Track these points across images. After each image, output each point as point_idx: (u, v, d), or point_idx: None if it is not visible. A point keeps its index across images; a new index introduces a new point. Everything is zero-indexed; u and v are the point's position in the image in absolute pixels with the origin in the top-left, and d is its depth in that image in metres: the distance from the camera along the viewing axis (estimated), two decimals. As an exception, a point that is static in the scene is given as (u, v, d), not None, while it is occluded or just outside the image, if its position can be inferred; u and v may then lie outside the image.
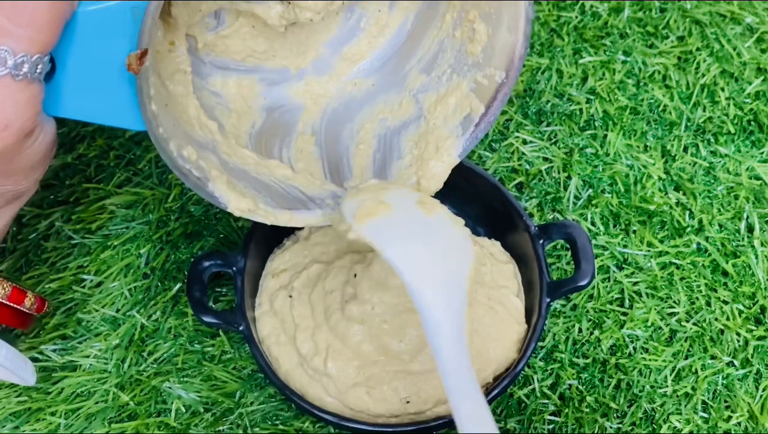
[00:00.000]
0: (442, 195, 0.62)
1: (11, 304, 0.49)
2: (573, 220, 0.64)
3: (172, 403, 0.57)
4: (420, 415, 0.52)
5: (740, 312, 0.60)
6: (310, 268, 0.57)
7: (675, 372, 0.58)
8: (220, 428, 0.56)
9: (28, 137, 0.42)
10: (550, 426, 0.56)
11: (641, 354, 0.59)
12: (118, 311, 0.60)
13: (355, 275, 0.54)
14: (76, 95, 0.44)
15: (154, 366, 0.58)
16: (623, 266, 0.62)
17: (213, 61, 0.54)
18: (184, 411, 0.56)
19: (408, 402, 0.52)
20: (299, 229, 0.60)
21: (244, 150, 0.53)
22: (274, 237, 0.60)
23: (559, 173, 0.66)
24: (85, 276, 0.62)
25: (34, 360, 0.58)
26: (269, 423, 0.56)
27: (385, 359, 0.53)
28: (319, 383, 0.53)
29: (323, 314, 0.54)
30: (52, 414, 0.56)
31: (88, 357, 0.58)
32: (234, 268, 0.55)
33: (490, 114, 0.52)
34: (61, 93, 0.44)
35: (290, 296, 0.56)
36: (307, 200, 0.53)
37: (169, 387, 0.57)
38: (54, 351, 0.59)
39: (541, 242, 0.55)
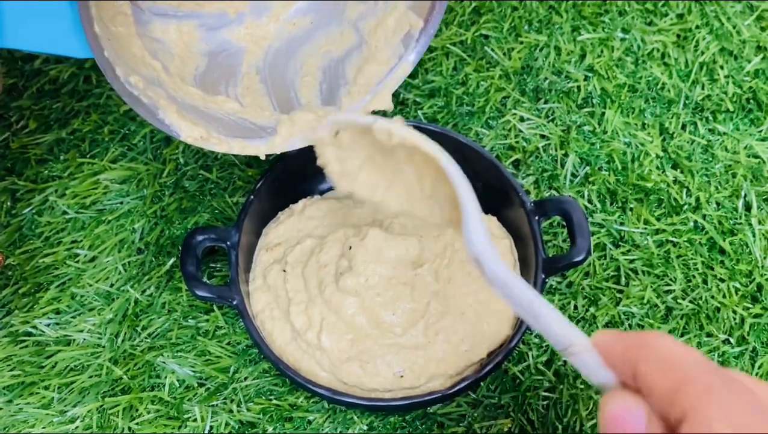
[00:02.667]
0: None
1: None
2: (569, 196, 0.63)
3: (165, 378, 0.57)
4: (414, 389, 0.52)
5: (737, 290, 0.61)
6: (303, 242, 0.57)
7: (670, 349, 0.58)
8: (214, 403, 0.56)
9: None
10: (545, 402, 0.56)
11: (637, 331, 0.59)
12: (112, 286, 0.60)
13: (351, 248, 0.54)
14: (18, 24, 0.43)
15: (148, 340, 0.58)
16: (620, 243, 0.62)
17: (150, 8, 0.55)
18: (177, 385, 0.57)
19: (402, 376, 0.52)
20: (294, 203, 0.60)
21: (190, 87, 0.53)
22: (268, 211, 0.60)
23: (556, 150, 0.66)
24: (79, 251, 0.62)
25: (27, 334, 0.58)
26: (263, 397, 0.56)
27: (378, 332, 0.53)
28: (313, 357, 0.53)
29: (317, 288, 0.54)
30: (46, 388, 0.57)
31: (81, 331, 0.59)
32: (228, 243, 0.56)
33: (430, 27, 0.52)
34: (3, 22, 0.43)
35: (284, 271, 0.56)
36: (259, 129, 0.54)
37: (163, 362, 0.57)
38: (48, 325, 0.59)
39: (537, 218, 0.55)
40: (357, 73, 0.55)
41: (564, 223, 0.56)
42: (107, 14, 0.50)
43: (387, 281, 0.54)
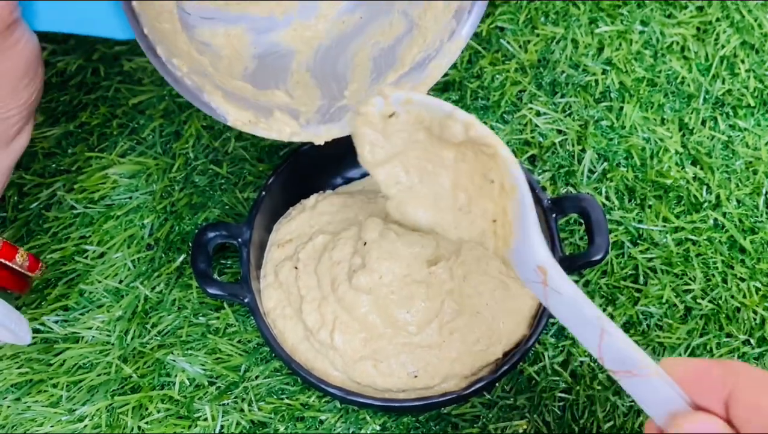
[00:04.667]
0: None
1: (1, 260, 0.49)
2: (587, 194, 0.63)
3: (175, 376, 0.57)
4: (428, 390, 0.52)
5: (757, 290, 0.60)
6: (315, 239, 0.57)
7: (690, 350, 0.58)
8: (225, 401, 0.56)
9: (9, 32, 0.42)
10: (561, 404, 0.56)
11: (655, 331, 0.59)
12: (121, 282, 0.60)
13: (365, 244, 0.54)
14: (55, 5, 0.43)
15: (158, 338, 0.58)
16: (638, 241, 0.62)
17: (197, 12, 0.54)
18: (188, 384, 0.57)
19: (416, 376, 0.52)
20: (305, 198, 0.60)
21: (239, 82, 0.53)
22: (280, 207, 0.60)
23: (573, 145, 0.65)
24: (87, 247, 0.61)
25: (35, 331, 0.58)
26: (275, 397, 0.56)
27: (392, 331, 0.53)
28: (326, 356, 0.53)
29: (330, 286, 0.54)
30: (54, 385, 0.56)
31: (90, 328, 0.59)
32: (239, 239, 0.55)
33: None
34: (39, 5, 0.43)
35: (296, 268, 0.55)
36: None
37: (173, 360, 0.57)
38: (56, 322, 0.59)
39: (554, 216, 0.55)
40: (406, 54, 0.53)
41: (581, 220, 0.55)
42: (152, 13, 0.49)
43: (401, 279, 0.53)
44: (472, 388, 0.51)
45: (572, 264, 0.53)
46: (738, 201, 0.64)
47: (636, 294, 0.60)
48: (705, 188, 0.64)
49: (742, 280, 0.60)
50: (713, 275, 0.61)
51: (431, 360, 0.53)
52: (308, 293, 0.54)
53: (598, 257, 0.52)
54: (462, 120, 0.44)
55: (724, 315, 0.59)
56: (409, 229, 0.55)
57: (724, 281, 0.61)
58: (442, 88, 0.68)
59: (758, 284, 0.60)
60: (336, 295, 0.54)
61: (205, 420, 0.55)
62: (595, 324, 0.39)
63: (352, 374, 0.53)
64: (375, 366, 0.52)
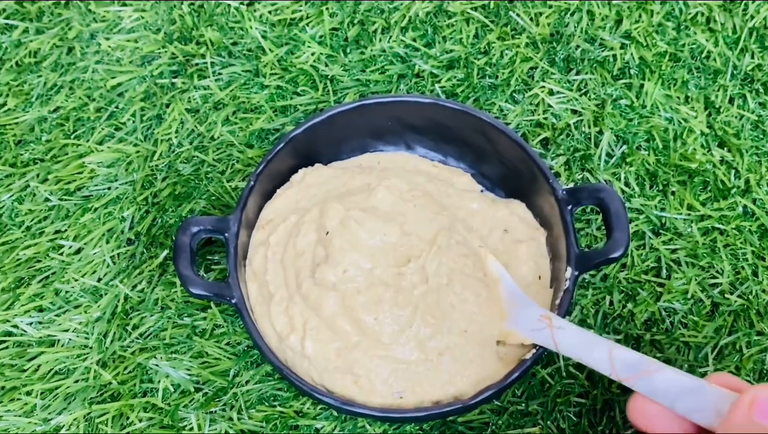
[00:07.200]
0: (460, 154, 0.59)
1: None
2: (605, 180, 0.60)
3: (159, 382, 0.55)
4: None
5: (791, 283, 0.58)
6: (289, 219, 0.54)
7: (717, 349, 0.56)
8: (213, 409, 0.54)
9: None
10: (577, 409, 0.54)
11: (680, 329, 0.56)
12: (99, 280, 0.58)
13: (327, 233, 0.52)
14: None
15: (140, 341, 0.56)
16: (660, 231, 0.59)
17: None
18: (172, 390, 0.54)
19: (401, 397, 0.49)
20: (294, 173, 0.58)
21: None
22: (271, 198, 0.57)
23: (589, 127, 0.63)
24: (63, 242, 0.59)
25: (7, 334, 0.56)
26: (266, 404, 0.54)
27: (366, 341, 0.50)
28: (301, 365, 0.50)
29: (295, 281, 0.52)
30: (28, 393, 0.54)
31: (67, 331, 0.56)
32: (226, 234, 0.52)
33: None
34: None
35: (266, 256, 0.53)
36: None
37: (156, 365, 0.55)
38: (30, 324, 0.57)
39: (569, 207, 0.52)
40: None
41: (599, 211, 0.52)
42: None
43: (368, 273, 0.51)
44: (480, 397, 0.48)
45: (588, 261, 0.50)
46: (769, 186, 0.61)
47: (659, 289, 0.57)
48: (733, 172, 0.62)
49: (774, 273, 0.58)
50: (743, 268, 0.58)
51: (419, 380, 0.50)
52: (276, 292, 0.52)
53: (617, 254, 0.49)
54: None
55: (754, 311, 0.57)
56: (371, 215, 0.53)
57: (755, 274, 0.58)
58: (446, 66, 0.66)
59: (792, 278, 0.58)
60: (300, 292, 0.51)
61: (191, 429, 0.53)
62: (602, 344, 0.45)
63: (330, 387, 0.50)
64: (355, 382, 0.49)
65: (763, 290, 0.57)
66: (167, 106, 0.64)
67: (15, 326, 0.57)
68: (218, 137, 0.63)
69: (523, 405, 0.54)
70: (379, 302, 0.51)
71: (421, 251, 0.53)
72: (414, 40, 0.67)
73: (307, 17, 0.68)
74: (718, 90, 0.65)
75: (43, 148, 0.63)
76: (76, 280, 0.58)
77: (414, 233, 0.53)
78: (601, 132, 0.63)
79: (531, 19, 0.68)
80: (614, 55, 0.66)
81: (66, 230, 0.60)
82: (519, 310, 0.50)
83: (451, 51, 0.66)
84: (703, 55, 0.66)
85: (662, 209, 0.60)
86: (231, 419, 0.53)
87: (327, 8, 0.68)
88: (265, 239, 0.54)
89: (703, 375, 0.54)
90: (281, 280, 0.52)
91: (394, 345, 0.50)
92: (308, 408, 0.54)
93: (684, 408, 0.40)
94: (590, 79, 0.65)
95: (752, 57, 0.66)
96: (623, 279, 0.58)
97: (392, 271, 0.52)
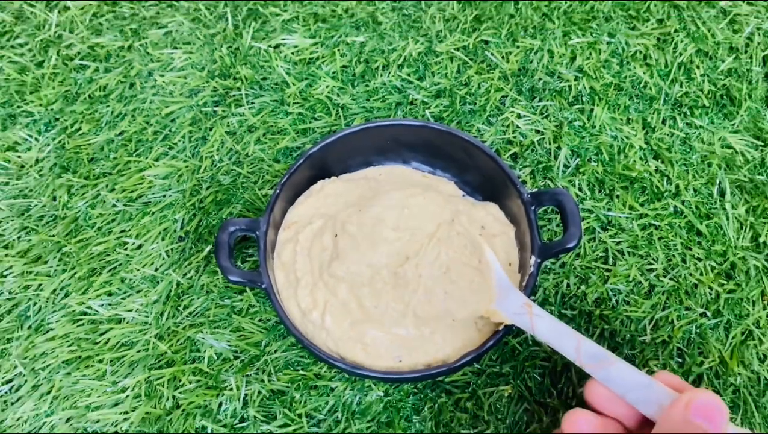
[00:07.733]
0: (446, 166, 0.59)
1: None
2: (562, 187, 0.60)
3: (205, 351, 0.55)
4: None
5: (712, 268, 0.57)
6: (315, 222, 0.54)
7: (653, 322, 0.55)
8: (248, 373, 0.54)
9: None
10: (541, 370, 0.54)
11: (623, 306, 0.56)
12: (156, 270, 0.58)
13: (336, 235, 0.52)
14: None
15: (189, 318, 0.56)
16: (607, 227, 0.59)
17: None
18: (215, 358, 0.54)
19: (401, 361, 0.50)
20: (314, 183, 0.58)
21: None
22: (294, 202, 0.57)
23: (550, 144, 0.63)
24: (127, 239, 0.59)
25: (83, 314, 0.56)
26: (291, 368, 0.54)
27: (370, 321, 0.50)
28: (320, 336, 0.51)
29: (318, 270, 0.52)
30: (100, 361, 0.54)
31: (130, 311, 0.56)
32: (257, 232, 0.53)
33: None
34: None
35: (295, 250, 0.53)
36: None
37: (203, 337, 0.55)
38: (101, 305, 0.57)
39: (533, 207, 0.52)
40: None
41: (557, 210, 0.52)
42: None
43: (368, 269, 0.51)
44: (462, 361, 0.48)
45: (549, 250, 0.50)
46: (695, 190, 0.61)
47: (606, 274, 0.57)
48: (666, 179, 0.61)
49: (699, 260, 0.58)
50: (674, 256, 0.58)
51: (415, 346, 0.50)
52: (303, 277, 0.52)
53: (571, 245, 0.49)
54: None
55: (683, 291, 0.56)
56: (373, 220, 0.53)
57: (683, 261, 0.58)
58: (434, 95, 0.65)
59: (713, 263, 0.57)
60: (323, 279, 0.51)
61: (231, 389, 0.53)
62: (571, 335, 0.44)
63: (343, 354, 0.50)
64: (364, 349, 0.50)
65: (690, 274, 0.57)
66: (210, 129, 0.64)
67: (89, 307, 0.57)
68: (251, 154, 0.63)
69: (498, 367, 0.54)
70: (379, 295, 0.51)
71: (420, 246, 0.52)
72: (409, 75, 0.67)
73: (323, 57, 0.68)
74: (654, 113, 0.64)
75: (111, 164, 0.63)
76: (138, 270, 0.58)
77: (415, 229, 0.53)
78: (559, 148, 0.62)
79: (503, 57, 0.67)
80: (570, 86, 0.66)
81: (129, 230, 0.60)
82: (506, 295, 0.49)
83: (439, 83, 0.66)
84: (641, 85, 0.66)
85: (609, 209, 0.60)
86: (263, 381, 0.53)
87: (338, 50, 0.68)
88: (293, 237, 0.54)
89: (642, 344, 0.54)
90: (308, 268, 0.52)
91: (394, 327, 0.50)
92: (325, 372, 0.54)
93: (633, 399, 0.40)
94: (550, 105, 0.65)
95: (681, 86, 0.66)
96: (578, 266, 0.58)
97: (390, 270, 0.52)
